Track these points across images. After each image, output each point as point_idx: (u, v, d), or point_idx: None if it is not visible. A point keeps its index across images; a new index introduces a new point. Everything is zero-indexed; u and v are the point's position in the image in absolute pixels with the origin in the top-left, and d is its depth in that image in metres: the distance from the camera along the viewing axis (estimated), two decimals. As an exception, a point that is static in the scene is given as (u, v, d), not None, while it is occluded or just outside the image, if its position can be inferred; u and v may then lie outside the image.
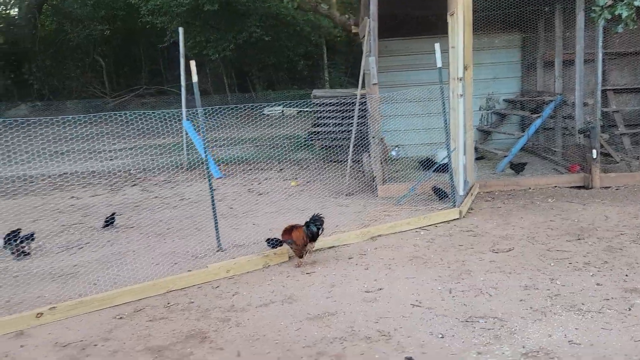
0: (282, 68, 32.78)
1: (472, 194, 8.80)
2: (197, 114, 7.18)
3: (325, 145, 14.29)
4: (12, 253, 7.35)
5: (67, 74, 33.27)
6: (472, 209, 8.40)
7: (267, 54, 28.78)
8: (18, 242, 7.50)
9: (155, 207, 9.86)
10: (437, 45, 8.08)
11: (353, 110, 14.50)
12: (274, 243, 6.68)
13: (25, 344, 4.80)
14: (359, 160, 12.27)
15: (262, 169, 13.37)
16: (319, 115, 14.96)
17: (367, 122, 10.56)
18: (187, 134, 13.78)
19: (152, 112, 10.18)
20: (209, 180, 7.23)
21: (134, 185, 12.17)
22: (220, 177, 12.51)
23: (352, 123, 14.45)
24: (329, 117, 14.72)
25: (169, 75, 37.05)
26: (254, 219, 8.67)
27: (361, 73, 10.92)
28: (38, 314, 5.16)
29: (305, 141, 15.83)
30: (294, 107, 25.28)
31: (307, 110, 24.78)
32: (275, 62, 30.23)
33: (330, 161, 13.40)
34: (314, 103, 15.10)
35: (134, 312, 5.36)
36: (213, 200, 7.16)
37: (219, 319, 5.07)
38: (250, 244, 7.31)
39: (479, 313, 4.91)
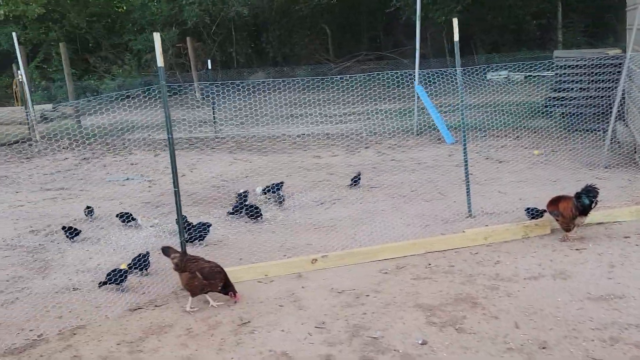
0: (507, 29, 30.71)
1: None
2: (456, 74, 6.94)
3: (567, 113, 12.99)
4: (275, 201, 8.17)
5: (297, 42, 35.65)
6: None
7: (495, 13, 27.14)
8: (276, 190, 8.41)
9: (394, 169, 10.05)
10: None
11: (602, 73, 12.90)
12: (533, 213, 6.27)
13: (305, 286, 5.26)
14: (603, 130, 10.91)
15: (495, 136, 12.73)
16: (560, 79, 13.65)
17: (628, 87, 9.24)
18: (418, 98, 13.70)
19: (387, 73, 10.23)
20: (464, 144, 7.01)
21: (367, 148, 12.57)
22: (452, 143, 12.24)
23: (601, 88, 12.91)
24: (573, 80, 13.33)
25: (387, 41, 37.34)
26: (499, 187, 8.29)
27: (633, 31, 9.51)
28: (313, 259, 5.61)
29: (543, 108, 14.62)
30: (523, 72, 23.59)
31: (535, 75, 22.95)
32: (502, 23, 28.37)
33: (576, 130, 12.17)
34: (556, 65, 13.82)
35: (397, 269, 5.51)
36: (467, 167, 6.98)
37: (486, 287, 4.94)
38: (500, 212, 7.00)
39: None
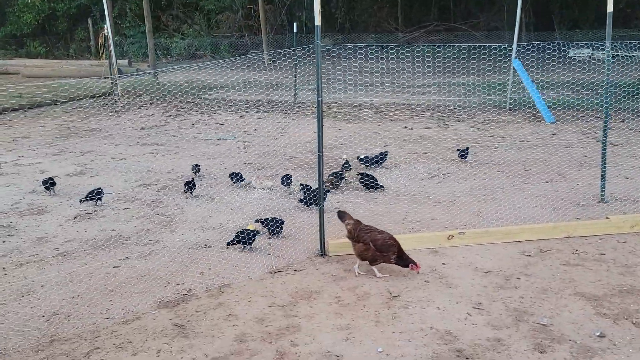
0: (588, 6, 29.10)
1: None
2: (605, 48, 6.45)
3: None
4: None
5: (366, 8, 34.84)
6: None
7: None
8: (380, 160, 8.29)
9: (497, 146, 9.66)
10: None
11: None
12: (680, 204, 5.86)
13: (446, 263, 5.08)
14: None
15: (595, 117, 12.06)
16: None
17: None
18: (514, 72, 13.09)
19: (482, 46, 9.72)
20: (606, 121, 6.54)
21: (459, 122, 12.16)
22: (552, 122, 11.68)
23: None
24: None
25: (457, 12, 36.04)
26: (622, 172, 7.84)
27: None
28: (449, 236, 5.42)
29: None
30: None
31: (624, 55, 21.67)
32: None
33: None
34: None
35: (540, 252, 5.26)
36: (604, 150, 6.55)
37: (650, 279, 4.63)
38: (636, 199, 6.60)
39: None
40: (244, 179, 7.68)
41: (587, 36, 26.67)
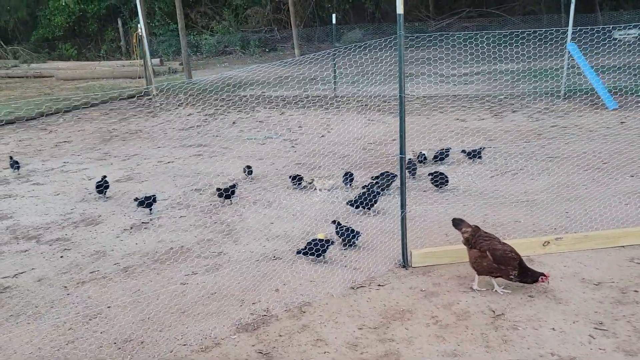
0: (634, -16, 27.80)
1: None
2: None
3: None
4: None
5: (396, -3, 34.01)
6: None
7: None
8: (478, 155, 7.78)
9: (563, 137, 9.04)
10: None
11: None
12: None
13: (549, 272, 4.55)
14: None
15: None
16: None
17: None
18: (570, 57, 12.36)
19: (535, 31, 9.05)
20: None
21: (514, 112, 11.52)
22: (615, 109, 10.96)
23: None
24: None
25: (492, -2, 34.98)
26: None
27: None
28: (545, 242, 4.90)
29: None
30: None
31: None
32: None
33: None
34: None
35: (650, 259, 4.70)
36: None
37: None
38: None
39: None
40: (302, 180, 7.25)
41: (632, 17, 25.54)
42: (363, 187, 6.59)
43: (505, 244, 4.34)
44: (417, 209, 6.20)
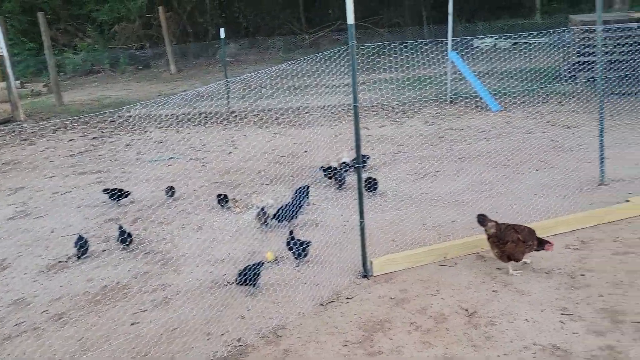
0: (485, -3, 30.72)
1: None
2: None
3: (593, 78, 12.97)
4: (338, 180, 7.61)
5: (269, 11, 34.33)
6: None
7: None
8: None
9: (464, 139, 9.62)
10: None
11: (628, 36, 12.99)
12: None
13: (500, 267, 4.77)
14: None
15: (534, 103, 12.49)
16: (585, 43, 13.64)
17: None
18: (453, 65, 13.26)
19: (418, 42, 9.65)
20: (601, 105, 6.59)
21: (411, 118, 12.08)
22: (498, 110, 11.93)
23: (626, 52, 12.99)
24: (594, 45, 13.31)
25: (358, 10, 36.59)
26: (597, 153, 8.02)
27: None
28: (491, 238, 5.12)
29: (565, 72, 14.47)
30: (510, 40, 23.64)
31: (523, 42, 23.04)
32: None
33: (611, 94, 12.06)
34: (580, 30, 13.78)
35: (582, 244, 5.13)
36: (602, 134, 6.62)
37: None
38: (630, 179, 6.74)
39: None
40: (227, 199, 6.95)
41: (486, 27, 28.13)
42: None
43: (520, 225, 4.75)
44: (355, 217, 6.20)
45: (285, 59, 27.52)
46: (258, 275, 4.65)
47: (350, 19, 4.23)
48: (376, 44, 6.67)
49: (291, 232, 5.24)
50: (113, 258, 5.66)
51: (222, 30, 14.65)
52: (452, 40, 13.43)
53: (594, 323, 3.86)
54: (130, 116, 14.98)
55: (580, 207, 5.88)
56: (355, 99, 4.47)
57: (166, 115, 14.82)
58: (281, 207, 6.14)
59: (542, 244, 4.65)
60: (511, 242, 4.55)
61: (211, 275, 5.09)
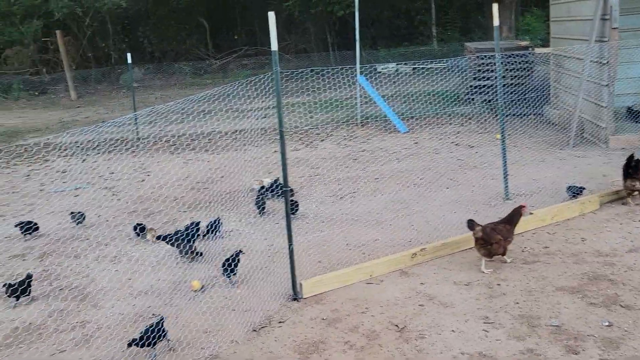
0: (383, 25, 32.22)
1: None
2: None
3: (488, 100, 14.09)
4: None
5: (174, 36, 33.82)
6: None
7: (384, 7, 28.39)
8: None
9: (376, 160, 9.95)
10: None
11: (517, 62, 14.25)
12: (575, 191, 6.66)
13: (424, 282, 4.97)
14: (534, 114, 12.25)
15: (438, 124, 13.22)
16: (480, 68, 14.75)
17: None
18: (362, 89, 13.75)
19: (330, 68, 10.04)
20: (502, 124, 7.11)
21: (323, 141, 12.35)
22: (406, 132, 12.50)
23: (517, 76, 14.22)
24: (491, 70, 14.46)
25: (264, 36, 37.15)
26: (497, 170, 8.62)
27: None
28: (412, 254, 5.38)
29: (463, 96, 15.48)
30: (410, 65, 24.95)
31: (422, 67, 24.39)
32: (387, 17, 29.73)
33: (508, 115, 13.06)
34: (477, 56, 14.88)
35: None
36: (504, 152, 7.13)
37: (602, 264, 5.09)
38: (530, 193, 7.29)
39: None
40: (143, 228, 6.71)
41: (388, 54, 29.44)
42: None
43: (495, 222, 5.33)
44: (279, 241, 6.22)
45: (193, 83, 27.17)
46: (162, 336, 4.08)
47: (274, 45, 4.33)
48: (297, 70, 6.79)
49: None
50: (24, 298, 5.26)
51: (129, 55, 14.22)
52: (360, 66, 13.95)
53: (514, 329, 4.14)
54: (26, 145, 14.11)
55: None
56: (280, 123, 4.53)
57: (70, 143, 14.07)
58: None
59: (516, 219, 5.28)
60: (495, 243, 5.06)
61: (134, 309, 4.88)
